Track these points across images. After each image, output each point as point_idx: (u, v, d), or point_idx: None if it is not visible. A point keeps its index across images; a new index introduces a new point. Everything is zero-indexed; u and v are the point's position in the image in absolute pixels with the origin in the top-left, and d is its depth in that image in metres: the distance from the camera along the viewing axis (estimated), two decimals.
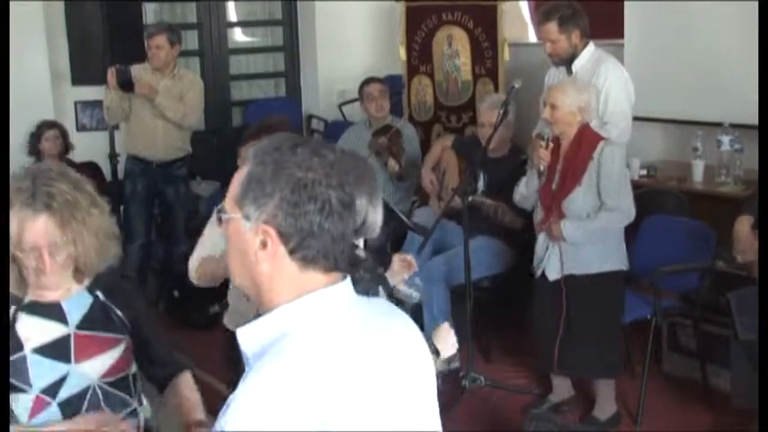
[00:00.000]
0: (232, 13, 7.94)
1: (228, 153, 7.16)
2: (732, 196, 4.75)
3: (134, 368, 2.52)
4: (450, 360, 3.66)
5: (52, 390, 2.34)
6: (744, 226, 3.83)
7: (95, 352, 2.39)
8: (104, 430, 2.31)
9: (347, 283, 1.56)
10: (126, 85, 5.57)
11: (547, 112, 4.14)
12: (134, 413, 2.49)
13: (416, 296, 3.39)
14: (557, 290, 4.15)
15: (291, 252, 1.49)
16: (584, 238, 4.09)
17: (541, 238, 4.25)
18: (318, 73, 7.82)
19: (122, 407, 2.45)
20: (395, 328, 1.62)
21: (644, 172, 5.29)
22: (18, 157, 6.04)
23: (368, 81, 6.04)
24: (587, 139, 4.10)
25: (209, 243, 3.55)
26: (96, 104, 6.43)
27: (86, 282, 2.43)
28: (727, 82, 5.13)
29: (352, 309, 1.55)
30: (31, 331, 2.35)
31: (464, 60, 6.39)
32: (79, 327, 2.39)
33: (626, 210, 4.15)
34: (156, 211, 6.20)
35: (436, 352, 2.69)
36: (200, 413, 2.51)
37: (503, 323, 5.12)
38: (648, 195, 5.00)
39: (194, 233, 3.97)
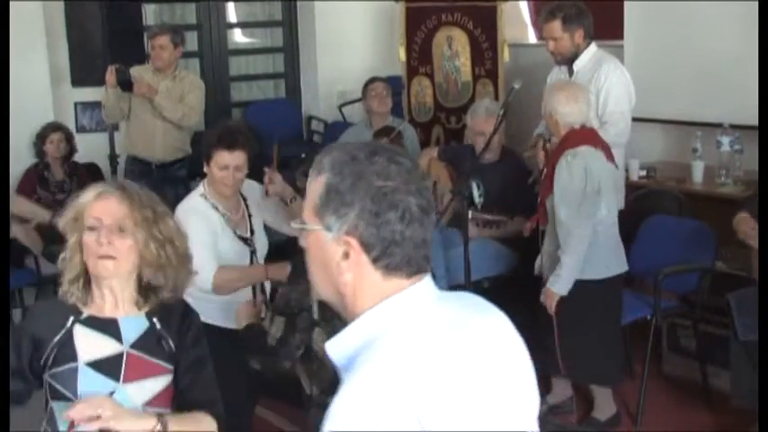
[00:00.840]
0: (232, 14, 7.94)
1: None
2: (732, 197, 4.75)
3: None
4: None
5: None
6: (742, 215, 3.84)
7: (143, 375, 2.39)
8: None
9: (428, 280, 1.56)
10: (125, 84, 5.56)
11: (545, 118, 4.19)
12: None
13: None
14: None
15: (375, 261, 1.50)
16: (572, 273, 4.01)
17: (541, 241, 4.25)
18: (318, 74, 7.81)
19: None
20: (486, 321, 1.60)
21: (643, 173, 5.29)
22: (18, 158, 6.05)
23: (372, 80, 6.12)
24: (561, 147, 4.07)
25: (209, 244, 3.54)
26: (96, 106, 6.42)
27: (147, 308, 2.44)
28: (727, 82, 5.13)
29: (436, 305, 1.55)
30: (87, 344, 2.38)
31: (464, 61, 6.39)
32: (133, 346, 2.40)
33: (579, 226, 3.96)
34: None
35: None
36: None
37: None
38: (648, 196, 5.01)
39: None
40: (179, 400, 2.45)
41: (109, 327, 2.40)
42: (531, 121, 5.23)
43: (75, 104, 6.79)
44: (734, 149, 4.99)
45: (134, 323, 2.42)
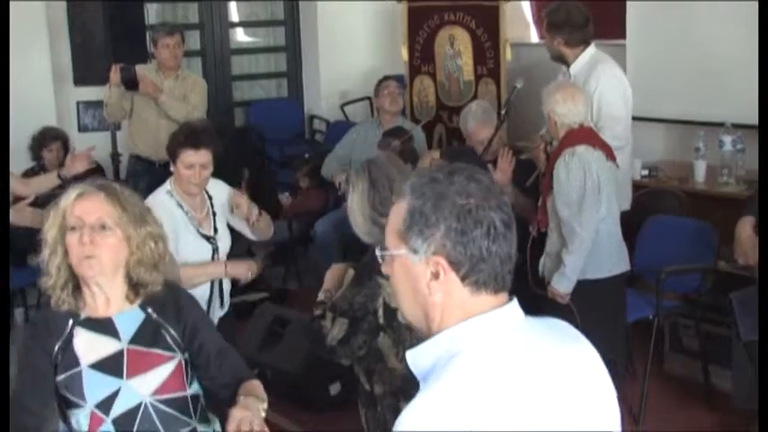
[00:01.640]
0: (234, 14, 7.95)
1: (230, 154, 7.20)
2: (734, 196, 4.75)
3: (194, 389, 2.51)
4: None
5: (106, 405, 2.36)
6: (744, 228, 3.82)
7: (146, 367, 2.41)
8: None
9: (515, 304, 1.58)
10: (130, 83, 5.55)
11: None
12: None
13: None
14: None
15: (463, 278, 1.52)
16: (575, 271, 4.01)
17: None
18: (320, 73, 7.82)
19: (178, 425, 2.45)
20: (569, 353, 1.61)
21: (645, 172, 5.29)
22: (19, 158, 6.06)
23: (386, 78, 6.17)
24: (560, 147, 4.06)
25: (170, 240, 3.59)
26: (98, 105, 6.42)
27: (138, 300, 2.46)
28: (729, 82, 5.13)
29: (520, 330, 1.56)
30: (87, 347, 2.40)
31: (466, 60, 6.38)
32: (131, 342, 2.42)
33: (580, 225, 3.95)
34: None
35: None
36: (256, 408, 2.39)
37: None
38: (650, 195, 5.00)
39: None
40: (212, 383, 2.51)
41: (105, 326, 2.42)
42: (533, 120, 5.23)
43: (78, 103, 6.80)
44: (736, 149, 4.98)
45: (129, 317, 2.44)
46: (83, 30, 6.22)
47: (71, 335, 2.39)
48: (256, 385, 2.49)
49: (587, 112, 4.15)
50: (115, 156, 6.26)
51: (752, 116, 4.14)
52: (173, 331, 2.46)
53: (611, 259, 4.10)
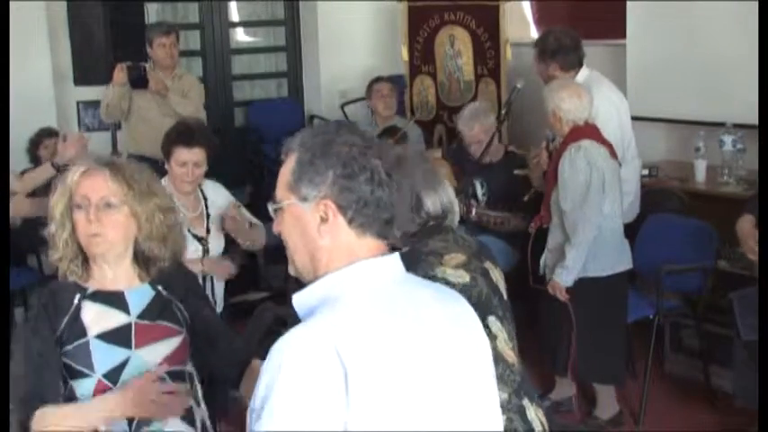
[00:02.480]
0: (234, 14, 7.95)
1: (231, 153, 7.20)
2: (734, 196, 4.75)
3: (190, 367, 2.52)
4: None
5: (114, 375, 2.37)
6: (745, 224, 3.83)
7: (155, 338, 2.43)
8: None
9: (396, 257, 1.67)
10: (139, 81, 5.52)
11: (548, 118, 4.18)
12: (189, 411, 2.47)
13: None
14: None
15: (350, 222, 1.63)
16: (577, 265, 4.02)
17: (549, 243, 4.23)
18: (320, 73, 7.82)
19: None
20: (447, 310, 1.69)
21: (646, 172, 5.28)
22: (20, 158, 6.06)
23: (377, 79, 6.12)
24: (565, 143, 4.07)
25: None
26: (99, 105, 6.42)
27: (149, 278, 2.48)
28: (730, 82, 5.13)
29: (399, 282, 1.66)
30: (95, 318, 2.41)
31: (466, 60, 6.39)
32: (140, 317, 2.44)
33: (583, 219, 3.97)
34: None
35: None
36: None
37: None
38: (650, 195, 5.00)
39: None
40: (204, 350, 2.53)
41: (115, 299, 2.43)
42: (533, 120, 5.23)
43: (78, 103, 6.80)
44: (736, 149, 4.98)
45: (140, 294, 2.46)
46: (83, 30, 6.22)
47: (78, 308, 2.40)
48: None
49: (591, 109, 4.16)
50: (115, 155, 6.25)
51: (752, 116, 4.14)
52: (182, 307, 2.49)
53: (614, 257, 4.11)
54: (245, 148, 7.57)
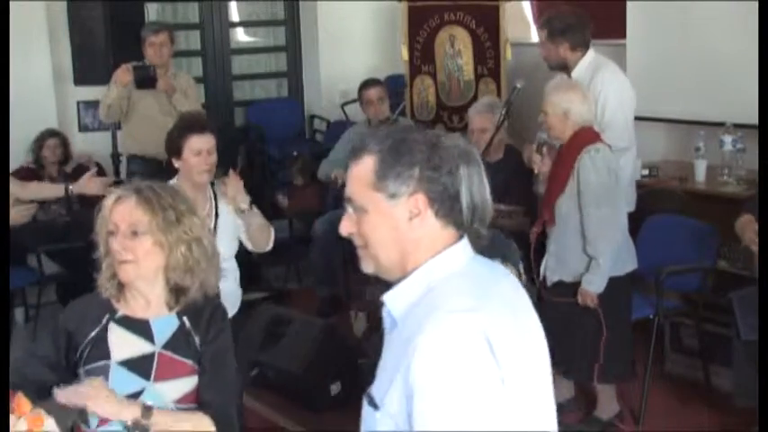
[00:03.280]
0: (234, 13, 7.95)
1: (231, 153, 7.20)
2: (734, 196, 4.75)
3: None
4: None
5: None
6: (744, 218, 3.83)
7: (174, 375, 2.41)
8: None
9: (466, 239, 1.76)
10: (146, 81, 5.50)
11: (541, 118, 4.12)
12: None
13: None
14: (551, 294, 4.13)
15: (437, 213, 1.70)
16: (607, 271, 3.99)
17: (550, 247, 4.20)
18: (321, 73, 7.82)
19: None
20: (510, 279, 1.84)
21: (646, 172, 5.28)
22: (20, 158, 6.07)
23: (366, 85, 6.03)
24: (576, 145, 4.00)
25: None
26: (99, 105, 6.43)
27: (177, 308, 2.46)
28: (730, 82, 5.13)
29: (474, 259, 1.77)
30: (119, 343, 2.42)
31: (466, 60, 6.39)
32: (164, 347, 2.43)
33: (611, 223, 3.97)
34: None
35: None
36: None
37: None
38: (650, 195, 5.00)
39: None
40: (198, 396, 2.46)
41: (141, 327, 2.44)
42: (533, 119, 5.23)
43: (78, 103, 6.80)
44: (736, 148, 4.98)
45: (166, 323, 2.45)
46: (83, 29, 6.23)
47: (106, 329, 2.42)
48: (205, 423, 2.39)
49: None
50: (115, 156, 6.25)
51: (752, 116, 4.14)
52: (198, 341, 2.45)
53: (624, 257, 4.09)
54: (246, 149, 7.58)
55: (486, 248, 2.55)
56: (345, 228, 1.76)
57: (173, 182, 3.76)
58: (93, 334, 2.42)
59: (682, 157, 5.51)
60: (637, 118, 4.79)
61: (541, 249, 4.25)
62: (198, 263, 2.43)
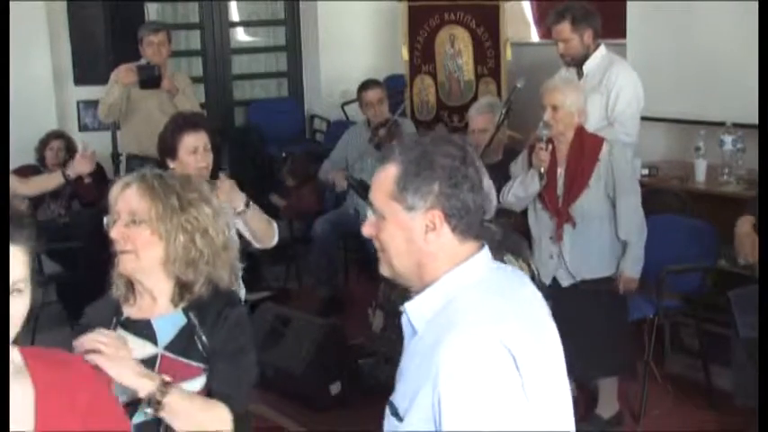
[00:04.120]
0: (234, 13, 7.96)
1: (231, 152, 7.20)
2: (734, 196, 4.75)
3: None
4: None
5: (129, 410, 2.14)
6: (744, 227, 3.82)
7: (177, 378, 2.21)
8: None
9: (487, 248, 1.81)
10: (151, 81, 5.49)
11: (548, 114, 4.10)
12: None
13: None
14: (567, 295, 4.10)
15: (454, 229, 1.74)
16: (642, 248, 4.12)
17: (546, 245, 4.19)
18: (321, 73, 7.82)
19: None
20: (529, 289, 1.87)
21: (646, 171, 5.28)
22: (20, 158, 6.06)
23: (365, 86, 6.00)
24: (588, 141, 4.07)
25: None
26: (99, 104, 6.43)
27: (183, 304, 2.30)
28: (730, 81, 5.13)
29: (495, 269, 1.81)
30: None
31: (466, 60, 6.39)
32: (167, 347, 2.28)
33: (638, 205, 4.14)
34: None
35: None
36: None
37: None
38: (650, 195, 4.98)
39: None
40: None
41: (143, 329, 2.30)
42: (533, 119, 5.22)
43: (78, 103, 6.80)
44: (736, 148, 4.98)
45: (170, 322, 2.29)
46: (83, 29, 6.23)
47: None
48: (224, 416, 2.21)
49: None
50: (115, 155, 6.24)
51: (752, 115, 4.14)
52: (205, 340, 2.28)
53: (606, 259, 4.12)
54: (246, 148, 7.57)
55: (499, 244, 2.60)
56: (367, 230, 1.81)
57: None
58: None
59: (682, 157, 5.51)
60: None
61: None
62: (201, 255, 2.26)
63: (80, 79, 6.44)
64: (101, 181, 5.76)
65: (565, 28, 4.71)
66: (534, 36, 7.02)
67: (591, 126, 4.32)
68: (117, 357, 2.05)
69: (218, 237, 2.31)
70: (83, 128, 6.80)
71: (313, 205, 6.45)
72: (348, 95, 7.33)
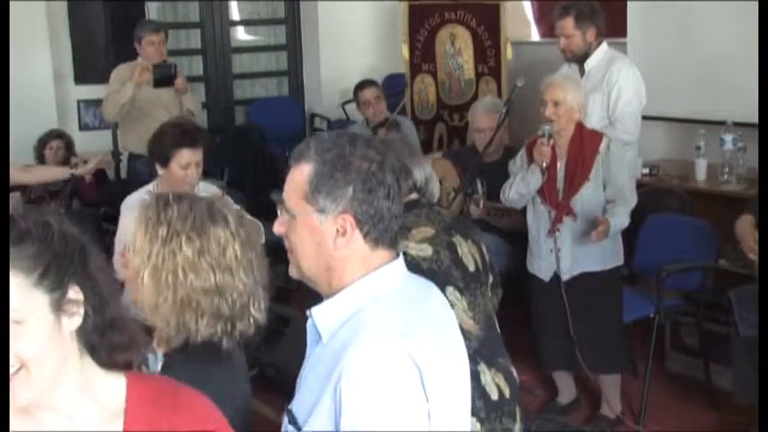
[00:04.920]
0: (235, 12, 7.96)
1: (231, 152, 7.20)
2: (735, 195, 4.75)
3: None
4: None
5: None
6: (745, 224, 3.83)
7: None
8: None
9: (401, 258, 1.75)
10: (166, 80, 5.47)
11: (550, 110, 4.10)
12: None
13: None
14: (563, 290, 4.13)
15: (366, 235, 1.67)
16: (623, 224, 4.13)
17: (545, 241, 4.19)
18: (321, 72, 7.83)
19: None
20: (436, 294, 1.83)
21: (646, 170, 5.28)
22: (20, 157, 6.06)
23: (361, 86, 6.00)
24: (588, 136, 4.10)
25: None
26: (99, 103, 6.43)
27: (163, 348, 1.99)
28: (730, 80, 5.13)
29: (406, 279, 1.75)
30: None
31: (467, 59, 6.38)
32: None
33: (634, 202, 4.16)
34: None
35: None
36: None
37: (503, 321, 5.11)
38: (651, 194, 4.99)
39: None
40: None
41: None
42: (534, 119, 5.22)
43: (78, 102, 6.80)
44: (737, 147, 4.98)
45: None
46: (83, 28, 6.23)
47: None
48: None
49: None
50: (116, 154, 6.24)
51: (753, 114, 4.14)
52: None
53: (606, 253, 4.12)
54: (246, 148, 7.58)
55: (448, 226, 2.67)
56: (277, 228, 1.74)
57: (150, 186, 3.73)
58: None
59: (682, 156, 5.51)
60: None
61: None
62: (165, 299, 1.89)
63: (80, 78, 6.45)
64: (101, 180, 5.77)
65: (568, 23, 4.73)
66: (535, 35, 7.02)
67: (592, 125, 4.32)
68: None
69: (205, 280, 1.96)
70: (83, 127, 6.81)
71: None
72: (348, 95, 7.32)
